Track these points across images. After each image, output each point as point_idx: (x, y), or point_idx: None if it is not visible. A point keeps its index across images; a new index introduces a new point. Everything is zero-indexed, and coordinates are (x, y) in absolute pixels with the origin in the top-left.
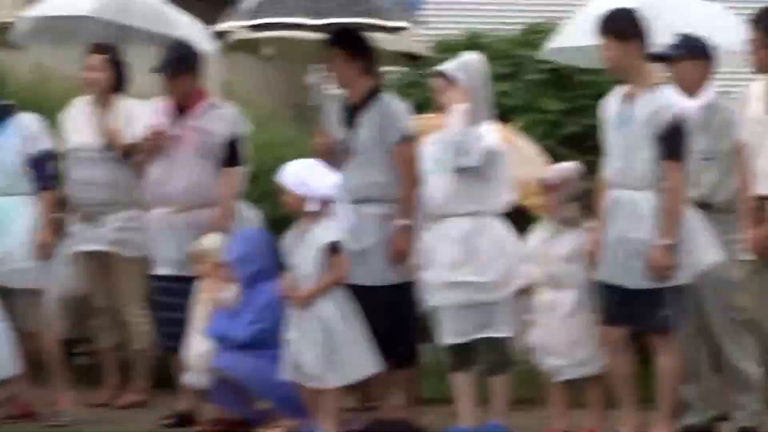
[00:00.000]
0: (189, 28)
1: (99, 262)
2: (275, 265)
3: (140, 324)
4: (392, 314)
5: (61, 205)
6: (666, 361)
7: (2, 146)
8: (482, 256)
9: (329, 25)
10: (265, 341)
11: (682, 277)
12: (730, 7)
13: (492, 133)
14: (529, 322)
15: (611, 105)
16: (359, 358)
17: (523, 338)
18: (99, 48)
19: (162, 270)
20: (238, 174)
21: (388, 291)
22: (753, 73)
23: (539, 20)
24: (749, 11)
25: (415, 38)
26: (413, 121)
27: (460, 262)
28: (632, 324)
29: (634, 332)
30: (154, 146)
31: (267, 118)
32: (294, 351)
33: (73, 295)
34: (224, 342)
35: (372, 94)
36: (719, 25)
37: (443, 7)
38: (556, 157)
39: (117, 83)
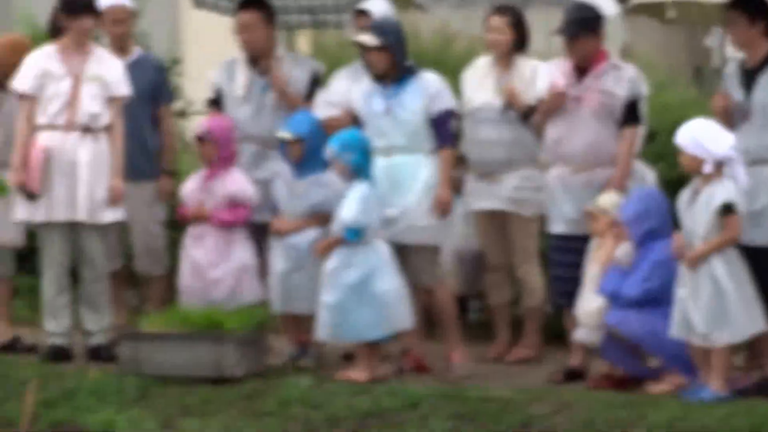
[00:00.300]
0: None
1: (495, 221)
2: (669, 225)
3: (533, 281)
4: None
5: (460, 163)
6: None
7: (404, 105)
8: None
9: None
10: (656, 299)
11: None
12: None
13: None
14: None
15: None
16: (749, 318)
17: None
18: (501, 10)
19: (558, 228)
20: (637, 134)
21: None
22: None
23: None
24: None
25: None
26: None
27: None
28: None
29: None
30: (554, 106)
31: (667, 80)
32: (684, 309)
33: (468, 252)
34: (616, 299)
35: None
36: None
37: None
38: None
39: (518, 44)
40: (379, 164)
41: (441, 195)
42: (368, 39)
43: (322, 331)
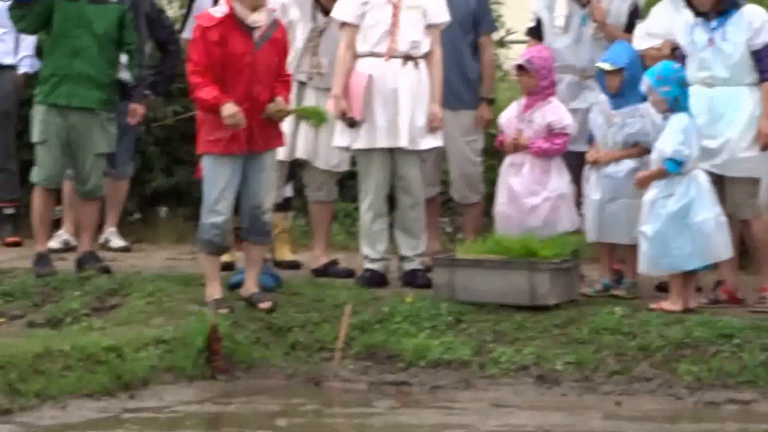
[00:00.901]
0: None
1: None
2: None
3: None
4: None
5: None
6: None
7: (728, 37)
8: None
9: None
10: None
11: None
12: None
13: None
14: None
15: None
16: None
17: None
18: None
19: None
20: None
21: None
22: None
23: None
24: None
25: None
26: None
27: None
28: None
29: None
30: None
31: None
32: None
33: None
34: None
35: None
36: None
37: None
38: None
39: None
40: (701, 96)
41: (764, 128)
42: None
43: (643, 263)
